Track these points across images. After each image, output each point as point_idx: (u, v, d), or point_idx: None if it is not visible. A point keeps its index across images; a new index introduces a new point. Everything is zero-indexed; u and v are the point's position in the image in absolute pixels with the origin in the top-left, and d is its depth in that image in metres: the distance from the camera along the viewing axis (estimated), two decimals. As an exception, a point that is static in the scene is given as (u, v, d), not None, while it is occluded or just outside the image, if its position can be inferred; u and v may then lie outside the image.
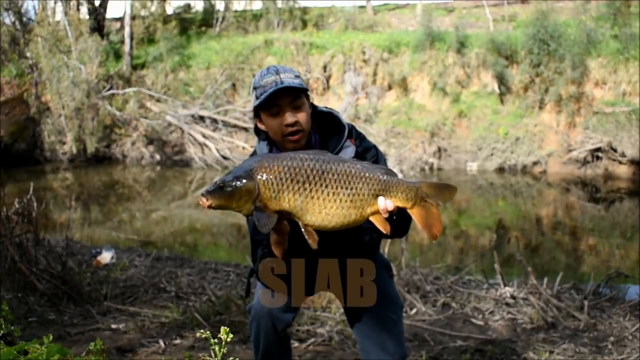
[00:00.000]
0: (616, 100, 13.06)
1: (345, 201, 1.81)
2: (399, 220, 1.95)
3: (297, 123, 2.02)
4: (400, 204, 1.86)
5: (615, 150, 12.47)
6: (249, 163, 1.84)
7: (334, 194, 1.80)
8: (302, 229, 1.82)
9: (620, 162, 12.51)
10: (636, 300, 4.56)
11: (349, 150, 2.12)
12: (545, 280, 4.76)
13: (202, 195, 1.78)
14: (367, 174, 1.84)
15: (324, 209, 1.80)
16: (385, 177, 1.86)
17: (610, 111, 12.77)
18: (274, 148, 2.14)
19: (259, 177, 1.79)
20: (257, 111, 2.09)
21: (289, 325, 2.30)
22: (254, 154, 2.20)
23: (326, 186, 1.80)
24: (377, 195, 1.84)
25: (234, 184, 1.77)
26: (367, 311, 2.24)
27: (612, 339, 3.77)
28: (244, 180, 1.78)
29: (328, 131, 2.15)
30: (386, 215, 1.84)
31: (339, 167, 1.82)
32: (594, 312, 4.26)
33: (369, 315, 2.26)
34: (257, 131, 2.16)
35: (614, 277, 4.98)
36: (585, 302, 4.33)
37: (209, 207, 1.77)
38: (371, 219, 1.85)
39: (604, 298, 4.56)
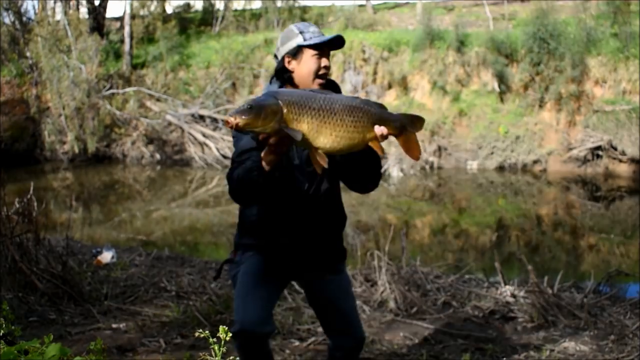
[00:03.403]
0: (616, 98, 13.05)
1: (350, 126, 2.10)
2: (372, 163, 2.34)
3: (329, 68, 2.35)
4: (390, 132, 2.19)
5: (615, 149, 12.47)
6: (272, 91, 2.08)
7: (341, 120, 2.09)
8: (313, 152, 2.07)
9: (621, 161, 12.51)
10: (636, 298, 4.56)
11: None
12: (546, 278, 4.77)
13: (231, 115, 1.96)
14: (366, 107, 2.15)
15: (334, 132, 2.07)
16: (379, 110, 2.19)
17: (611, 109, 12.76)
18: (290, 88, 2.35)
19: (283, 100, 2.01)
20: (297, 52, 2.33)
21: (270, 334, 2.46)
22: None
23: (335, 113, 2.08)
24: (374, 124, 2.14)
25: (261, 104, 1.98)
26: (334, 300, 2.51)
27: (612, 337, 3.77)
28: (271, 102, 2.00)
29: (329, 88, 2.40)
30: (382, 141, 2.17)
31: (344, 100, 2.13)
32: (594, 310, 4.26)
33: (338, 304, 2.52)
34: (283, 70, 2.37)
35: (614, 276, 4.99)
36: (586, 301, 4.33)
37: (237, 126, 1.95)
38: (370, 144, 2.17)
39: (605, 296, 4.57)
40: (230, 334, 1.46)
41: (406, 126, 2.23)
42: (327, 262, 2.51)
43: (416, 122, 2.27)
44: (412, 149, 2.27)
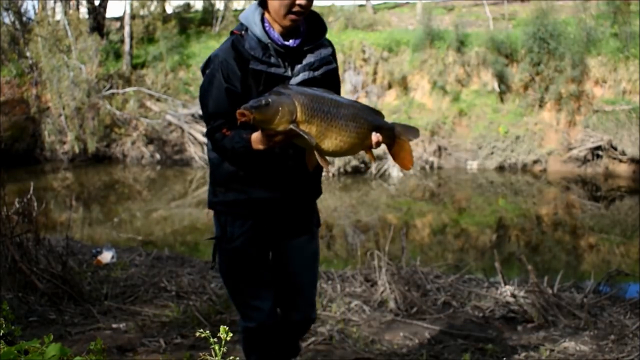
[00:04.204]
0: (616, 98, 13.04)
1: (353, 132, 2.12)
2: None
3: (306, 7, 2.19)
4: (384, 140, 2.20)
5: (615, 149, 12.47)
6: (283, 90, 2.05)
7: (346, 125, 2.10)
8: (314, 154, 2.07)
9: (621, 161, 12.51)
10: (636, 298, 4.56)
11: (328, 50, 2.36)
12: (546, 278, 4.77)
13: (246, 109, 1.93)
14: (366, 113, 2.18)
15: (339, 137, 2.09)
16: (377, 118, 2.21)
17: (611, 109, 12.76)
18: (267, 24, 2.24)
19: (298, 101, 2.01)
20: None
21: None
22: (230, 35, 2.28)
23: (341, 118, 2.09)
24: (371, 131, 2.16)
25: (279, 103, 1.98)
26: (300, 271, 2.47)
27: (612, 337, 3.77)
28: (288, 102, 2.00)
29: (313, 27, 2.32)
30: (375, 148, 2.18)
31: (348, 104, 2.14)
32: (594, 310, 4.27)
33: (301, 277, 2.49)
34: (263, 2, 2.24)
35: (614, 276, 4.99)
36: (586, 301, 4.33)
37: (251, 120, 1.94)
38: (364, 150, 2.20)
39: (605, 296, 4.57)
40: (230, 334, 1.45)
41: (399, 135, 2.24)
42: (307, 221, 2.47)
43: (410, 131, 2.28)
44: (403, 158, 2.27)
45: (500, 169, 13.14)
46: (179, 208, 10.83)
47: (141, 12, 17.84)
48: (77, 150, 14.47)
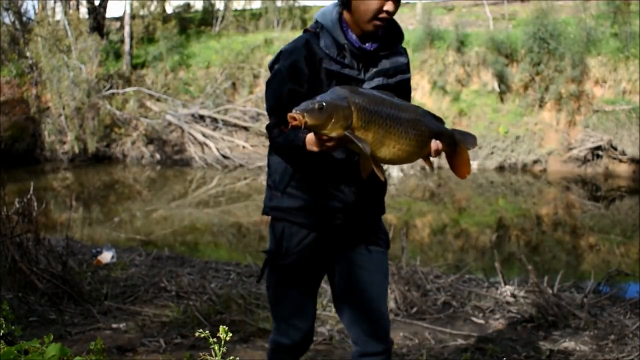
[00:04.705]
0: (616, 98, 13.04)
1: (412, 140, 1.96)
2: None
3: (392, 14, 2.09)
4: (444, 148, 2.05)
5: (615, 149, 12.46)
6: (339, 92, 1.88)
7: (406, 132, 1.94)
8: (369, 161, 1.93)
9: (621, 161, 12.50)
10: (636, 298, 4.56)
11: (404, 59, 2.23)
12: (546, 278, 4.77)
13: (298, 112, 1.79)
14: (427, 119, 2.02)
15: (397, 144, 1.93)
16: (438, 124, 2.05)
17: (611, 109, 12.76)
18: (345, 25, 2.13)
19: (355, 105, 1.85)
20: None
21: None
22: (303, 32, 2.18)
23: (401, 124, 1.92)
24: (431, 138, 2.01)
25: (334, 106, 1.82)
26: (367, 283, 2.24)
27: (612, 337, 3.77)
28: (343, 106, 1.83)
29: (390, 32, 2.21)
30: (434, 156, 2.05)
31: (409, 109, 1.98)
32: (594, 310, 4.26)
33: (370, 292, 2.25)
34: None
35: (614, 276, 4.99)
36: (586, 301, 4.33)
37: (302, 125, 1.79)
38: (422, 158, 2.06)
39: (605, 296, 4.57)
40: (230, 334, 1.45)
41: (459, 142, 2.10)
42: (372, 237, 2.26)
43: (469, 139, 2.14)
44: (461, 167, 2.13)
45: (500, 169, 13.14)
46: (179, 208, 10.83)
47: (141, 12, 17.84)
48: (77, 150, 14.47)
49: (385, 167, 2.48)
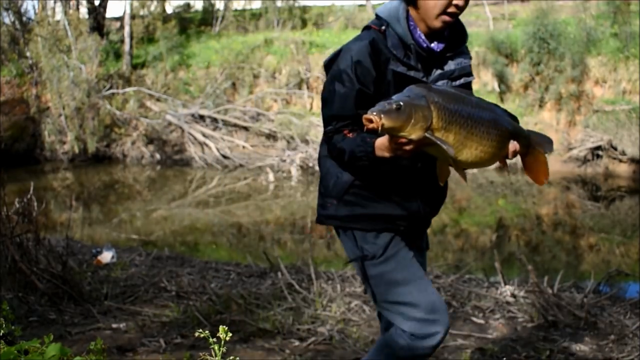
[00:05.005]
0: (616, 98, 13.04)
1: (494, 141, 1.82)
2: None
3: (462, 8, 2.01)
4: (520, 150, 1.92)
5: (615, 149, 12.46)
6: (416, 91, 1.76)
7: (487, 132, 1.80)
8: (445, 165, 1.82)
9: (621, 161, 12.50)
10: (636, 298, 4.56)
11: (468, 60, 2.12)
12: (546, 278, 4.77)
13: (374, 113, 1.65)
14: (505, 118, 1.88)
15: (480, 146, 1.79)
16: (515, 124, 1.92)
17: (611, 109, 12.76)
18: (412, 22, 2.01)
19: (434, 104, 1.72)
20: None
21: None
22: (364, 29, 2.06)
23: (482, 124, 1.79)
24: (509, 139, 1.88)
25: (412, 105, 1.68)
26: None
27: (612, 337, 3.77)
28: (422, 105, 1.70)
29: (454, 31, 2.13)
30: (511, 158, 1.92)
31: (490, 107, 1.85)
32: (594, 310, 4.26)
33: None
34: None
35: (614, 276, 4.99)
36: (586, 301, 4.33)
37: (379, 127, 1.65)
38: (499, 160, 1.92)
39: (605, 296, 4.57)
40: (230, 334, 1.45)
41: (535, 145, 1.96)
42: (422, 242, 2.29)
43: (546, 142, 2.00)
44: (538, 171, 2.00)
45: (500, 168, 13.12)
46: (179, 208, 10.83)
47: (141, 12, 17.85)
48: (77, 150, 14.47)
49: None
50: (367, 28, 2.05)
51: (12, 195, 5.14)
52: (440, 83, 2.00)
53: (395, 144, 1.76)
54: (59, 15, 17.09)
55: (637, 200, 11.04)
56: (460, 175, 1.85)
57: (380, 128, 1.65)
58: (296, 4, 19.00)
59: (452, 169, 1.88)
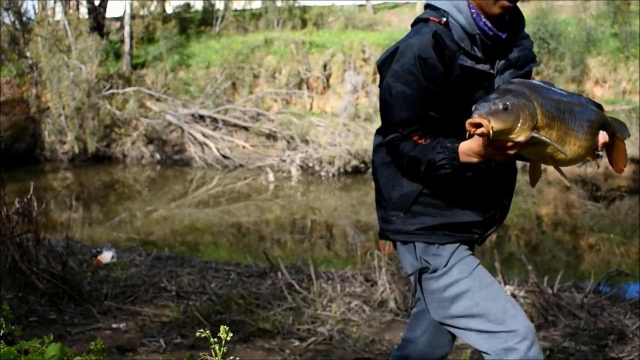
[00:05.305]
0: (616, 98, 13.05)
1: (588, 134, 1.70)
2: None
3: None
4: (608, 140, 1.80)
5: (615, 149, 12.47)
6: (515, 88, 1.62)
7: (581, 126, 1.68)
8: (537, 165, 1.73)
9: (621, 161, 12.51)
10: (636, 298, 4.56)
11: (528, 43, 1.95)
12: (546, 278, 4.76)
13: (481, 115, 1.50)
14: (594, 108, 1.76)
15: (578, 141, 1.67)
16: (601, 112, 1.80)
17: (610, 109, 12.75)
18: (474, 10, 1.81)
19: (537, 101, 1.59)
20: None
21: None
22: (419, 22, 1.87)
23: (577, 118, 1.67)
24: (599, 130, 1.76)
25: (519, 106, 1.54)
26: None
27: (612, 337, 3.77)
28: (527, 104, 1.56)
29: (514, 17, 1.94)
30: (600, 150, 1.79)
31: (578, 100, 1.73)
32: (594, 310, 4.26)
33: None
34: None
35: (614, 276, 4.99)
36: (586, 301, 4.33)
37: (489, 131, 1.50)
38: (590, 155, 1.78)
39: (605, 296, 4.56)
40: (230, 334, 1.45)
41: (615, 132, 1.84)
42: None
43: (624, 129, 1.88)
44: (618, 159, 1.89)
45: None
46: (179, 208, 10.83)
47: (141, 12, 17.85)
48: (77, 150, 14.47)
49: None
50: (422, 21, 1.85)
51: (12, 195, 5.14)
52: (507, 74, 1.86)
53: (495, 148, 1.61)
54: (59, 15, 17.10)
55: (637, 200, 11.04)
56: (561, 175, 1.74)
57: (485, 133, 1.50)
58: (296, 4, 19.00)
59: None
